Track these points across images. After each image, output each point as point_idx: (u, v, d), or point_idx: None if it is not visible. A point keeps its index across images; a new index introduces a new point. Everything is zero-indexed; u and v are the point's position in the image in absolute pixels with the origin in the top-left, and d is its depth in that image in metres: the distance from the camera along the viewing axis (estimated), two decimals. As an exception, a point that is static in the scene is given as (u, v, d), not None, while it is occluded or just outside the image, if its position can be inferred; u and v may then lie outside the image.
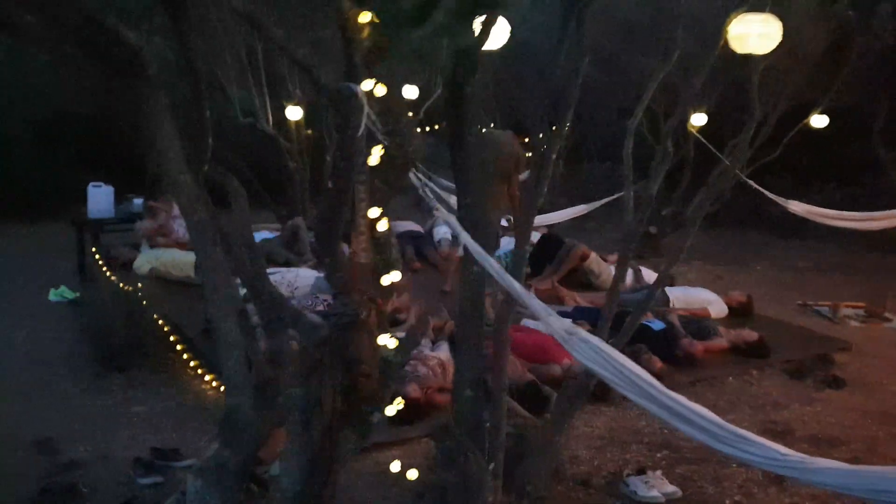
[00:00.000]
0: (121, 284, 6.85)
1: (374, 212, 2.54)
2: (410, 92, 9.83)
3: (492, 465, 3.39)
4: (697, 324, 6.45)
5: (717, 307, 7.18)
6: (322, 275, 6.97)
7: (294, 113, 9.23)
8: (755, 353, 6.15)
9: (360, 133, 2.39)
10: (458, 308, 3.44)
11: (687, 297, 7.23)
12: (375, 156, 2.46)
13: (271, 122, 9.31)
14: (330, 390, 2.48)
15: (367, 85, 2.36)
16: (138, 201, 8.05)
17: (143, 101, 2.49)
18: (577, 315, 6.49)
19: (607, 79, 11.51)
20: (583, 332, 2.57)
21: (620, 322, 6.36)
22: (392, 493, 3.80)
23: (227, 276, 2.61)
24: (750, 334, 6.27)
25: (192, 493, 2.68)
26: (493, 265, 2.78)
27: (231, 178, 2.97)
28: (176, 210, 7.98)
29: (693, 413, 2.47)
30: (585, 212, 10.33)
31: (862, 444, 4.73)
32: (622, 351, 5.67)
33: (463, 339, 3.42)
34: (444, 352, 5.41)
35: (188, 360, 5.66)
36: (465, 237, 2.77)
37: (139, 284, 6.51)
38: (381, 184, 2.53)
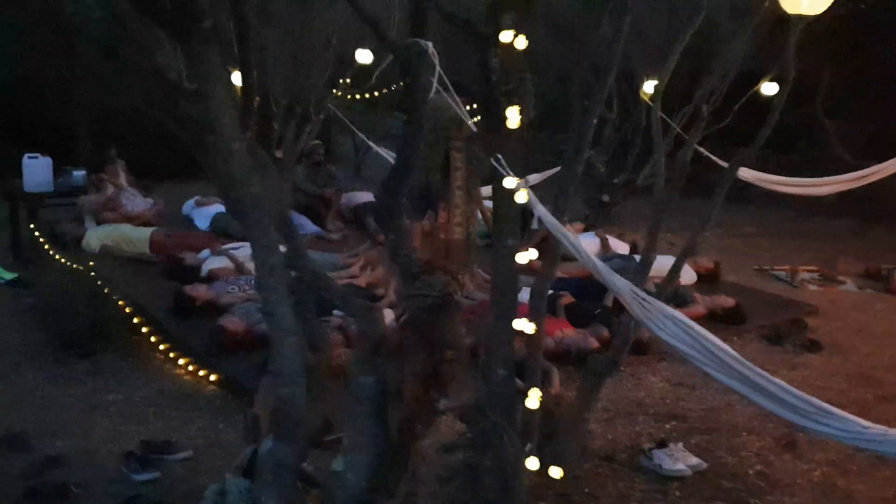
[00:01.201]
0: (68, 263, 6.37)
1: (510, 182, 2.31)
2: (364, 56, 9.53)
3: (528, 447, 3.24)
4: (673, 291, 6.42)
5: (686, 274, 7.18)
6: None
7: (237, 79, 8.77)
8: (731, 320, 6.17)
9: (431, 94, 2.16)
10: (491, 284, 3.26)
11: (659, 264, 7.18)
12: (515, 116, 2.23)
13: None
14: (410, 378, 2.27)
15: (506, 36, 2.13)
16: (78, 173, 7.52)
17: (195, 61, 2.19)
18: (557, 286, 6.39)
19: (552, 45, 11.38)
20: (668, 310, 2.42)
21: (595, 291, 6.38)
22: (421, 473, 3.60)
23: (281, 257, 2.35)
24: (726, 300, 6.30)
25: (234, 494, 2.44)
26: (570, 239, 2.60)
27: (255, 146, 2.69)
28: (124, 182, 7.51)
29: (781, 390, 2.37)
30: (538, 181, 10.24)
31: (855, 409, 4.71)
32: (612, 321, 5.62)
33: (496, 315, 3.23)
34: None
35: (157, 343, 5.30)
36: (541, 209, 2.59)
37: (91, 263, 6.06)
38: (480, 151, 2.31)
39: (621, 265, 7.27)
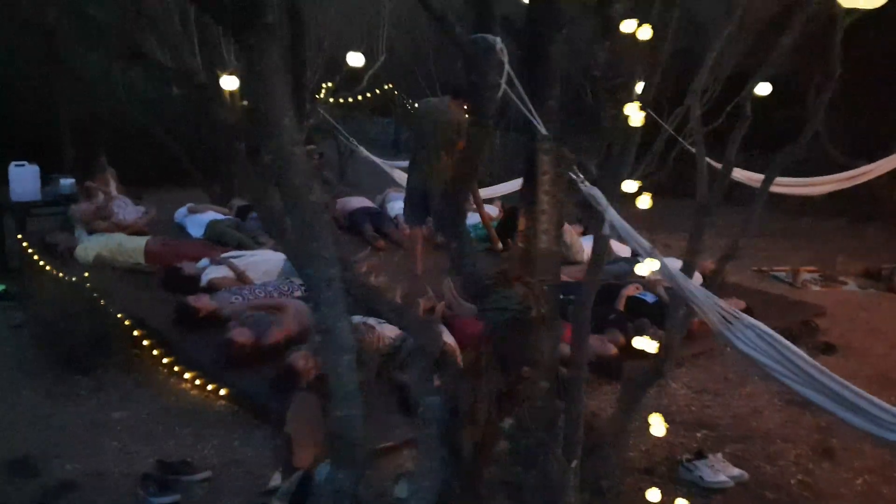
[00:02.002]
0: (61, 274, 6.13)
1: (630, 186, 2.16)
2: (356, 59, 9.35)
3: (574, 464, 3.09)
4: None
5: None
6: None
7: (230, 83, 8.54)
8: (743, 323, 6.08)
9: (499, 94, 2.02)
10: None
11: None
12: (638, 115, 2.08)
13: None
14: (485, 398, 2.12)
15: (629, 26, 1.99)
16: (66, 181, 7.26)
17: (254, 59, 2.01)
18: (564, 290, 6.26)
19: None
20: (746, 318, 2.29)
21: (606, 296, 6.26)
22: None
23: (339, 270, 2.19)
24: (737, 303, 6.19)
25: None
26: (643, 244, 2.46)
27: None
28: (114, 190, 7.27)
29: (864, 401, 2.24)
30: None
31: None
32: (627, 326, 5.50)
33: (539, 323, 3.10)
34: (447, 336, 5.05)
35: (160, 357, 5.09)
36: (613, 214, 2.45)
37: (86, 274, 5.82)
38: (569, 152, 2.17)
39: (626, 269, 7.17)
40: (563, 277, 6.89)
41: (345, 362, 2.17)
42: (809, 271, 8.15)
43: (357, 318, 5.11)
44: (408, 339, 5.02)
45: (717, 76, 10.16)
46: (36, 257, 6.54)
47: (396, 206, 8.46)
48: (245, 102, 8.98)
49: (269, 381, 4.51)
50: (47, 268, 6.34)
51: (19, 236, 6.90)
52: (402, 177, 10.18)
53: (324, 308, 2.14)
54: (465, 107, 6.68)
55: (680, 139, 10.44)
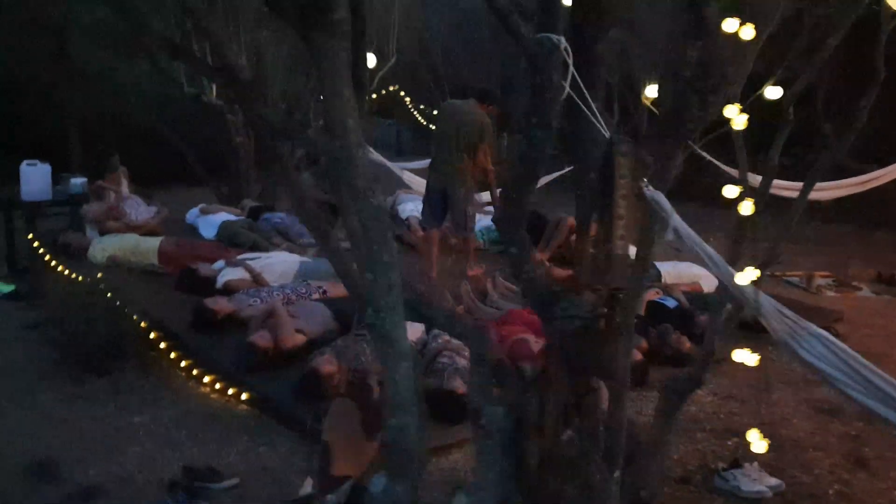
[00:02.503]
0: (73, 275, 6.06)
1: (732, 191, 2.11)
2: (367, 60, 9.30)
3: (616, 473, 3.03)
4: (703, 299, 6.29)
5: (707, 281, 7.05)
6: (308, 259, 6.42)
7: (240, 83, 8.49)
8: (763, 328, 6.02)
9: (563, 96, 1.96)
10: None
11: (678, 271, 7.08)
12: (741, 118, 2.02)
13: (214, 93, 8.54)
14: (553, 409, 2.06)
15: (730, 25, 1.93)
16: (77, 181, 7.18)
17: (322, 57, 1.95)
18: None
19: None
20: (812, 327, 2.24)
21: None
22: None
23: (400, 274, 2.13)
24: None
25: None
26: (707, 251, 2.41)
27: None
28: (125, 190, 7.20)
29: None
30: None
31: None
32: (650, 332, 5.44)
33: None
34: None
35: (177, 360, 5.02)
36: (677, 219, 2.40)
37: (99, 275, 5.75)
38: (648, 155, 2.11)
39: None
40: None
41: (403, 369, 2.11)
42: (823, 276, 8.11)
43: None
44: (429, 343, 4.97)
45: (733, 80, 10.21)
46: (47, 257, 6.47)
47: (407, 209, 8.41)
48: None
49: (294, 385, 4.45)
50: (59, 268, 6.27)
51: (30, 236, 6.81)
52: (410, 179, 10.16)
53: (383, 314, 2.07)
54: (490, 110, 6.66)
55: (689, 142, 10.47)
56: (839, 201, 9.22)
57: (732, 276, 2.46)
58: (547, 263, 7.06)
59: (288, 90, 9.08)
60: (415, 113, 13.59)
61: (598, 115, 2.08)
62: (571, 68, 1.98)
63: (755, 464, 3.71)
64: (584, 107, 2.04)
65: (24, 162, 6.87)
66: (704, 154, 10.39)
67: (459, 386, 4.29)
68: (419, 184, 10.20)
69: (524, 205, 2.13)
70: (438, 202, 6.72)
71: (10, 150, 8.86)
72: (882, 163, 8.97)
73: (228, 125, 8.64)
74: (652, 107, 10.53)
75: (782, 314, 2.33)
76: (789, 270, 8.36)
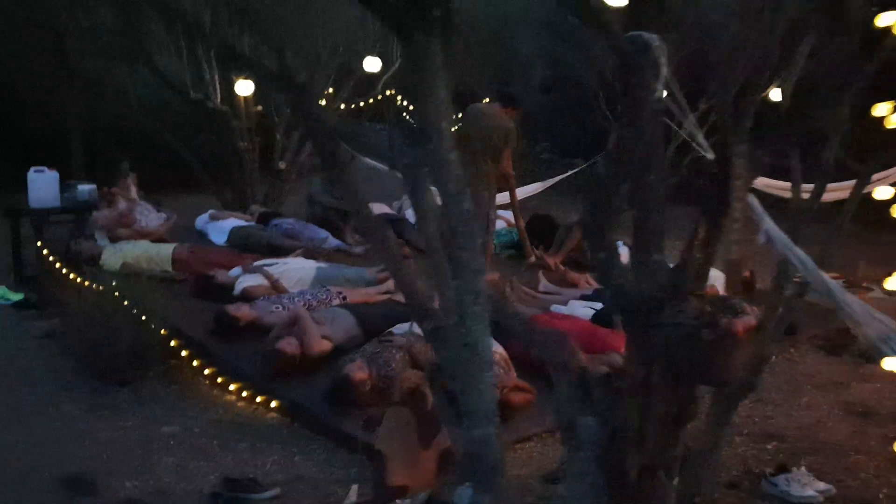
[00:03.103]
0: (85, 282, 5.95)
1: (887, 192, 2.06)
2: (372, 64, 9.22)
3: (675, 480, 2.98)
4: (723, 302, 6.25)
5: (723, 284, 7.03)
6: (324, 265, 6.34)
7: (245, 87, 8.40)
8: (793, 331, 6.01)
9: (657, 96, 1.91)
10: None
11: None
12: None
13: (219, 98, 8.44)
14: (655, 419, 2.00)
15: (888, 18, 1.87)
16: (84, 187, 7.06)
17: (421, 56, 1.88)
18: (596, 296, 6.17)
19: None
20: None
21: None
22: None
23: (485, 282, 2.07)
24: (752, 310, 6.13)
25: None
26: (799, 255, 2.36)
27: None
28: (135, 196, 7.09)
29: None
30: (539, 190, 10.05)
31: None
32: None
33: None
34: (496, 346, 4.91)
35: (200, 368, 4.93)
36: (769, 224, 2.35)
37: (113, 283, 5.65)
38: (763, 156, 2.06)
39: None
40: (589, 284, 6.83)
41: (486, 379, 2.05)
42: (834, 277, 8.09)
43: (404, 328, 4.99)
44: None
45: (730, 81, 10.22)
46: (58, 265, 6.35)
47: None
48: (259, 108, 8.82)
49: (324, 392, 4.38)
50: (71, 276, 6.15)
51: (39, 243, 6.69)
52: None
53: (469, 322, 2.01)
54: (513, 115, 6.61)
55: (695, 145, 10.48)
56: (841, 203, 9.22)
57: (824, 280, 2.42)
58: (561, 267, 7.01)
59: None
60: (408, 118, 13.51)
61: (690, 115, 2.03)
62: (664, 67, 1.94)
63: (803, 468, 3.67)
64: (677, 107, 1.99)
65: (32, 169, 6.75)
66: (708, 156, 10.40)
67: (496, 393, 4.22)
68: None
69: (612, 207, 2.07)
70: None
71: (10, 156, 8.75)
72: (887, 165, 8.99)
73: (234, 131, 8.54)
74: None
75: (875, 318, 2.29)
76: (798, 272, 8.34)
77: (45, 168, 6.75)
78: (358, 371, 4.29)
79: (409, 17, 1.82)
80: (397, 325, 5.05)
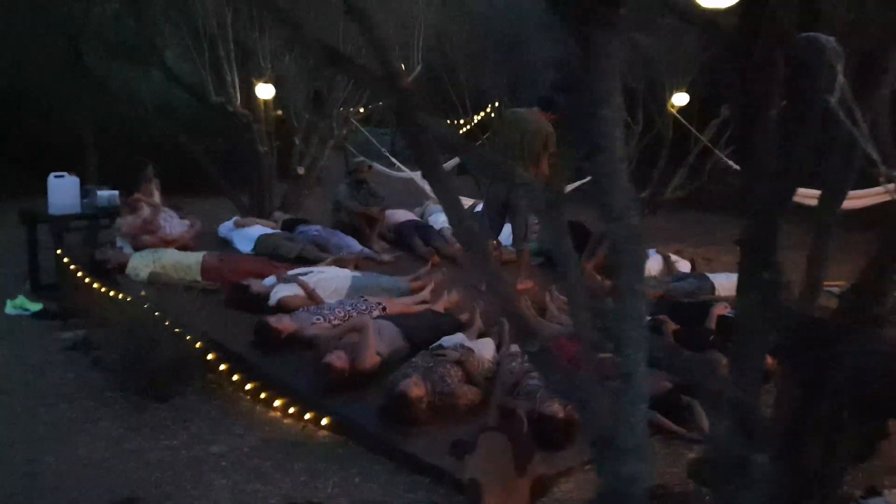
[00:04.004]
0: (111, 292, 5.75)
1: None
2: (395, 68, 9.04)
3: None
4: None
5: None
6: (358, 273, 6.16)
7: (265, 91, 8.22)
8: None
9: (832, 100, 1.76)
10: (738, 313, 2.87)
11: (731, 283, 6.90)
12: None
13: (239, 101, 8.24)
14: (841, 456, 1.84)
15: None
16: (104, 193, 6.85)
17: (600, 57, 1.72)
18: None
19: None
20: None
21: (694, 315, 6.01)
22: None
23: (648, 306, 1.91)
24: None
25: None
26: None
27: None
28: (158, 202, 6.89)
29: None
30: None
31: None
32: (727, 348, 5.25)
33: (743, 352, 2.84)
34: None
35: (241, 382, 4.74)
36: None
37: (143, 292, 5.45)
38: None
39: (696, 285, 6.96)
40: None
41: (640, 412, 1.88)
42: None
43: (454, 341, 4.83)
44: (503, 363, 4.73)
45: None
46: (80, 274, 6.14)
47: (440, 220, 8.17)
48: (279, 112, 8.62)
49: (379, 409, 4.21)
50: (95, 285, 5.94)
51: (59, 251, 6.48)
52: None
53: (628, 349, 1.85)
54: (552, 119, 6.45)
55: (716, 151, 10.36)
56: (860, 209, 9.14)
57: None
58: (597, 276, 6.85)
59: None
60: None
61: (860, 121, 1.88)
62: (840, 72, 1.78)
63: (895, 490, 3.52)
64: (841, 114, 1.84)
65: (52, 174, 6.54)
66: (731, 162, 10.31)
67: (559, 410, 4.05)
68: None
69: (776, 222, 1.92)
70: (498, 214, 6.52)
71: (23, 161, 8.53)
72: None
73: (254, 135, 8.34)
74: (678, 115, 10.45)
75: None
76: (827, 280, 8.22)
77: (66, 173, 6.54)
78: (414, 387, 4.12)
79: (594, 14, 1.66)
80: (445, 338, 4.89)
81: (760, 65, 2.63)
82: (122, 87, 9.01)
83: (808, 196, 9.33)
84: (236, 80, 8.09)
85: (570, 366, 2.99)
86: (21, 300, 6.38)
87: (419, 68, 9.21)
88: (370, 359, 4.47)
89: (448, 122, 12.48)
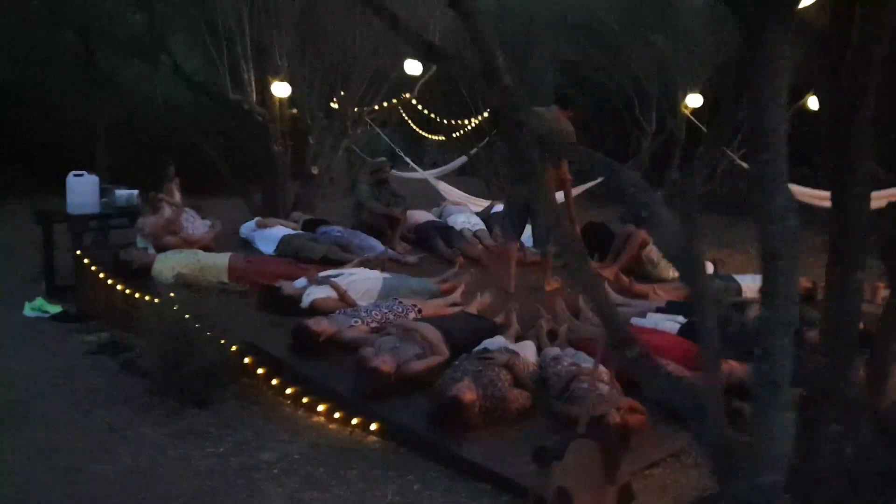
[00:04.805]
0: (136, 294, 5.60)
1: None
2: (413, 67, 8.93)
3: None
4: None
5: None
6: (388, 275, 6.05)
7: (281, 89, 8.10)
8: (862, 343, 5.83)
9: None
10: (826, 317, 2.80)
11: (757, 284, 6.83)
12: None
13: (254, 99, 8.11)
14: None
15: None
16: (123, 193, 6.70)
17: (772, 55, 1.63)
18: (673, 309, 5.95)
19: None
20: None
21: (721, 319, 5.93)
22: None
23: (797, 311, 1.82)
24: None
25: None
26: None
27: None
28: (179, 201, 6.74)
29: None
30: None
31: None
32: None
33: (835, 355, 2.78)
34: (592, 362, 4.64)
35: (280, 386, 4.62)
36: None
37: (171, 294, 5.30)
38: None
39: (723, 286, 6.89)
40: (665, 295, 6.61)
41: (785, 422, 1.79)
42: (884, 287, 7.97)
43: (497, 344, 4.73)
44: (547, 366, 4.64)
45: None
46: (102, 276, 5.99)
47: (459, 220, 8.08)
48: (295, 111, 8.47)
49: (431, 414, 4.10)
50: (118, 287, 5.79)
51: (78, 252, 6.33)
52: (446, 190, 9.84)
53: (777, 356, 1.77)
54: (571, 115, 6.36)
55: (730, 153, 10.33)
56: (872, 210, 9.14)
57: None
58: (624, 278, 6.78)
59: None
60: (409, 122, 13.25)
61: None
62: None
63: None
64: None
65: (72, 173, 6.39)
66: (743, 164, 10.29)
67: (614, 416, 3.96)
68: (455, 193, 9.89)
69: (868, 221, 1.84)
70: (520, 215, 6.42)
71: (35, 161, 8.37)
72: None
73: (269, 134, 8.21)
74: (691, 116, 10.42)
75: None
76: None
77: (85, 172, 6.38)
78: (467, 391, 4.02)
79: (770, 12, 1.57)
80: (487, 341, 4.80)
81: (855, 63, 2.56)
82: (134, 85, 8.85)
83: (817, 197, 9.36)
84: (252, 77, 7.97)
85: (674, 373, 2.92)
86: (40, 302, 6.24)
87: (434, 67, 9.10)
88: (419, 363, 4.37)
89: (460, 121, 12.40)
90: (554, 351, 4.88)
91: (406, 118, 13.00)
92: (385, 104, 10.91)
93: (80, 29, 8.17)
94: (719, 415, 1.93)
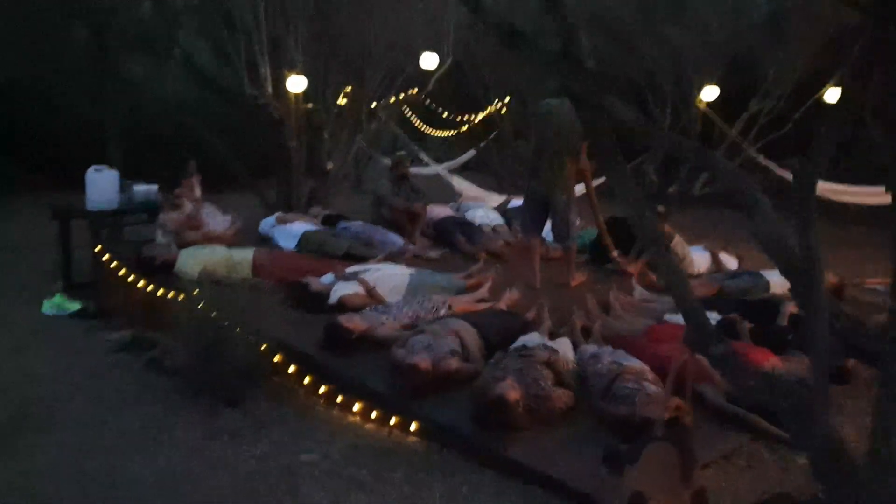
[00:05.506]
0: (161, 290, 5.48)
1: None
2: (429, 61, 8.81)
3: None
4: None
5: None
6: (414, 271, 5.93)
7: (297, 84, 7.96)
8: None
9: None
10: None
11: (784, 280, 6.75)
12: None
13: (270, 94, 7.99)
14: None
15: None
16: (141, 188, 6.57)
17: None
18: (710, 305, 5.83)
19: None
20: None
21: (763, 312, 5.84)
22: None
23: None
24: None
25: None
26: None
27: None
28: (199, 197, 6.62)
29: None
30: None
31: None
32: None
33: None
34: (632, 360, 4.52)
35: (313, 385, 4.51)
36: None
37: (196, 291, 5.18)
38: None
39: (751, 282, 6.78)
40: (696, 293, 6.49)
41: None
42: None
43: (535, 341, 4.62)
44: (585, 365, 4.53)
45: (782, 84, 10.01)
46: (123, 272, 5.86)
47: (477, 215, 7.98)
48: (310, 105, 8.34)
49: (474, 413, 3.99)
50: (140, 283, 5.67)
51: (97, 248, 6.20)
52: (460, 185, 9.74)
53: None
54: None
55: (745, 147, 10.22)
56: (882, 205, 9.06)
57: None
58: (651, 274, 6.67)
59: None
60: (411, 118, 13.15)
61: None
62: None
63: None
64: None
65: (91, 168, 6.26)
66: (760, 158, 10.19)
67: (662, 414, 3.85)
68: (469, 189, 9.79)
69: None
70: (539, 210, 6.31)
71: (47, 156, 8.24)
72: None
73: (283, 129, 8.09)
74: (708, 110, 10.32)
75: None
76: (869, 277, 8.10)
77: (105, 167, 6.26)
78: (511, 390, 3.90)
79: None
80: (524, 337, 4.68)
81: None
82: (146, 81, 8.73)
83: (832, 191, 9.23)
84: (268, 72, 7.84)
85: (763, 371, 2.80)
86: (59, 299, 6.11)
87: (449, 61, 9.00)
88: (464, 368, 4.28)
89: (467, 115, 12.28)
90: (591, 348, 4.77)
91: (410, 113, 12.92)
92: (398, 98, 10.81)
93: (91, 24, 8.03)
94: (826, 417, 1.83)
